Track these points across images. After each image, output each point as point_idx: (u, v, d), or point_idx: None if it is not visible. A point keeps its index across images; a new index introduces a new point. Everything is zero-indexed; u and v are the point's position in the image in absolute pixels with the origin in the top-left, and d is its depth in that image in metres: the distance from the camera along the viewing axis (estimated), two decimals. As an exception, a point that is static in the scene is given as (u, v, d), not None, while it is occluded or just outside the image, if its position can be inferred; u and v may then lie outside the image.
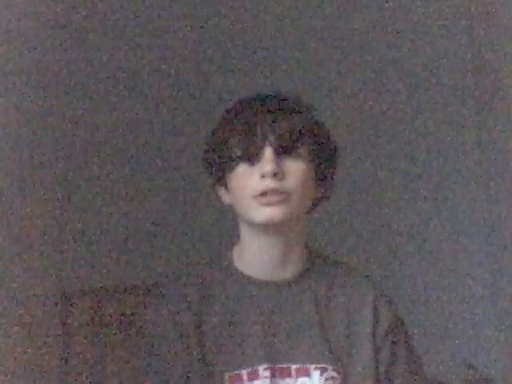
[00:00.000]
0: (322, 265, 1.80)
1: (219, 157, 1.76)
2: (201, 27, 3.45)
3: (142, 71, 3.38)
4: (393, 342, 1.74)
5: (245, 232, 1.78)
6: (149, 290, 3.15)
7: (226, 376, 1.63)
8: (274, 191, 1.66)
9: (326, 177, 1.78)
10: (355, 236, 3.39)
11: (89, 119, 3.32)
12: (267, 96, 1.77)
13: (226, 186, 1.78)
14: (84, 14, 3.37)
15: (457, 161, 3.51)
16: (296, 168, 1.71)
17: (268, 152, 1.67)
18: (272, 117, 1.72)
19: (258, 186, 1.67)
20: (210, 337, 1.66)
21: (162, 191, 3.33)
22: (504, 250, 3.30)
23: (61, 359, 3.14)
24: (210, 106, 3.41)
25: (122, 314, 3.17)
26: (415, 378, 1.75)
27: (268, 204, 1.65)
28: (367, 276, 1.84)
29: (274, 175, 1.66)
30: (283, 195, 1.67)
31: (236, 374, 1.63)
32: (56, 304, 3.17)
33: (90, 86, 3.34)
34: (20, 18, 3.31)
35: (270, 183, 1.66)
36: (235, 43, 3.46)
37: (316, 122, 1.78)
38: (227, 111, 1.83)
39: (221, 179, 1.79)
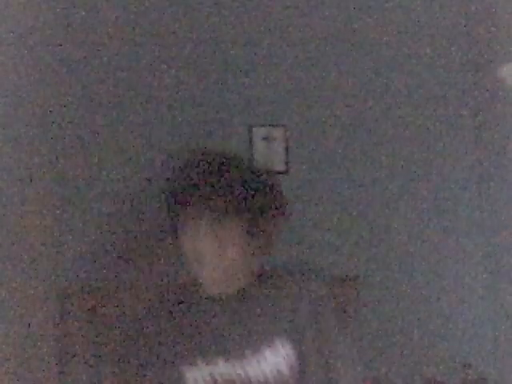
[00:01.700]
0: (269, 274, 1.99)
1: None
2: (201, 27, 3.45)
3: (142, 71, 3.39)
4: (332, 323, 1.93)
5: None
6: (148, 290, 3.16)
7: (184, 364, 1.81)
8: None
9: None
10: (355, 236, 3.40)
11: (89, 119, 3.33)
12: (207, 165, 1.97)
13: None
14: (84, 13, 3.38)
15: (457, 161, 3.51)
16: (228, 234, 1.97)
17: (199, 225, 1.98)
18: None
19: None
20: (168, 336, 1.87)
21: (161, 192, 3.34)
22: (503, 250, 3.31)
23: (60, 359, 3.15)
24: (209, 104, 3.42)
25: (121, 314, 3.18)
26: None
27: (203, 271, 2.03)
28: (312, 273, 2.09)
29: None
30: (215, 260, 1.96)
31: (193, 361, 1.88)
32: (56, 304, 3.18)
33: (90, 85, 3.34)
34: (20, 18, 3.32)
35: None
36: (235, 43, 3.47)
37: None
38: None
39: None
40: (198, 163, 1.98)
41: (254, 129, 3.39)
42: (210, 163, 1.95)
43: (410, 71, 3.55)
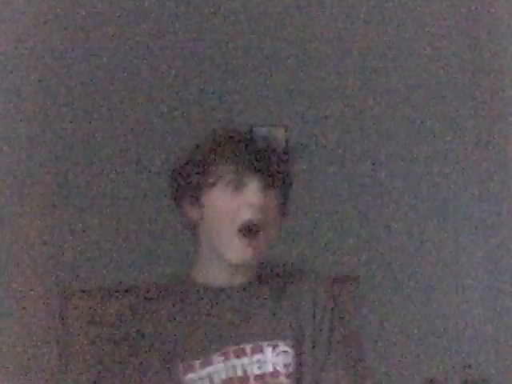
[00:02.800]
0: (270, 272, 1.92)
1: (202, 173, 1.84)
2: (201, 27, 3.45)
3: (142, 71, 3.39)
4: (330, 322, 1.84)
5: (207, 250, 1.88)
6: (149, 290, 3.15)
7: (180, 367, 1.76)
8: (255, 225, 1.76)
9: (287, 206, 1.89)
10: (355, 236, 3.40)
11: (89, 119, 3.33)
12: (250, 133, 1.90)
13: (199, 205, 1.86)
14: (84, 13, 3.38)
15: (457, 161, 3.51)
16: (274, 203, 1.81)
17: (255, 184, 1.77)
18: (259, 154, 1.84)
19: (241, 215, 1.77)
20: (164, 335, 1.81)
21: (161, 191, 3.33)
22: (503, 250, 3.31)
23: (61, 359, 3.15)
24: (209, 104, 3.42)
25: (122, 314, 3.17)
26: (346, 349, 1.89)
27: (247, 245, 1.76)
28: (312, 272, 1.95)
29: (259, 208, 1.76)
30: (262, 233, 1.78)
31: (189, 364, 1.77)
32: (56, 304, 3.18)
33: (90, 85, 3.34)
34: (20, 18, 3.31)
35: (253, 214, 1.76)
36: (235, 43, 3.47)
37: (287, 161, 1.88)
38: (215, 136, 1.93)
39: (196, 196, 1.87)
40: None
41: (254, 129, 3.39)
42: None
43: (410, 71, 3.54)
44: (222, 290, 1.84)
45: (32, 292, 3.16)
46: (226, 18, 3.48)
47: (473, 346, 3.39)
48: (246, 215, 1.76)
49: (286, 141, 3.43)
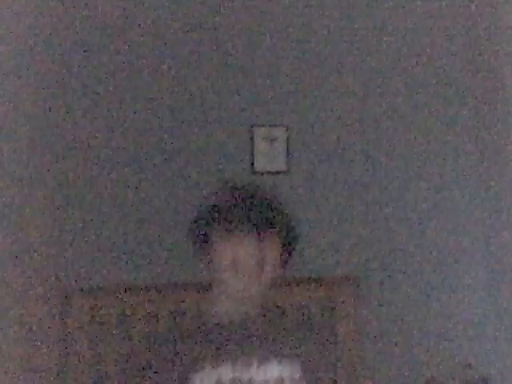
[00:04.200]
0: None
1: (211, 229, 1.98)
2: (201, 27, 3.45)
3: (142, 71, 3.39)
4: None
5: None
6: (149, 290, 3.16)
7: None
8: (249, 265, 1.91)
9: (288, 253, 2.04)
10: (355, 236, 3.40)
11: (88, 119, 3.33)
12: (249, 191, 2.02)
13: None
14: (84, 13, 3.38)
15: (457, 161, 3.51)
16: (271, 252, 1.94)
17: (252, 239, 1.91)
18: (256, 213, 1.97)
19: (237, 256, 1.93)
20: None
21: (161, 192, 3.34)
22: (503, 250, 3.31)
23: (61, 359, 3.15)
24: (210, 104, 3.42)
25: (122, 314, 3.19)
26: None
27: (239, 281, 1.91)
28: None
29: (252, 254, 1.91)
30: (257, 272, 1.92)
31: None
32: (56, 304, 3.18)
33: (90, 85, 3.34)
34: (20, 18, 3.32)
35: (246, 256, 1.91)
36: (236, 43, 3.47)
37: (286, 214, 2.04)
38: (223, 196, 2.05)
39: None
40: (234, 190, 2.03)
41: (255, 128, 3.39)
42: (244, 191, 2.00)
43: (410, 71, 3.54)
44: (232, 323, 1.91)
45: (32, 292, 3.16)
46: (227, 17, 3.48)
47: (473, 345, 3.39)
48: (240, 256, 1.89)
49: (287, 140, 3.43)
